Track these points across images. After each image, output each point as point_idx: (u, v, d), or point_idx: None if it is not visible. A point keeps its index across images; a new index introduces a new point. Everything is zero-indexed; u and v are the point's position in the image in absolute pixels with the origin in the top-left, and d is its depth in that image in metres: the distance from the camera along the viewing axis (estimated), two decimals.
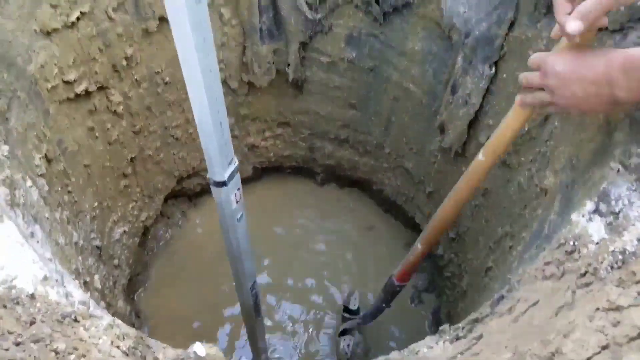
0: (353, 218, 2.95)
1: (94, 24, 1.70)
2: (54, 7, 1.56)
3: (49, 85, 1.60)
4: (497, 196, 1.89)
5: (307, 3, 2.12)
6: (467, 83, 1.88)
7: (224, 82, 2.40)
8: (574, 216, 1.11)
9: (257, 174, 3.04)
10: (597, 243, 1.02)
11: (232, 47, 2.28)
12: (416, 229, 2.65)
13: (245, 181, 2.76)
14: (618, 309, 0.87)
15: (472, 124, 1.99)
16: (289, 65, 2.36)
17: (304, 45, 2.31)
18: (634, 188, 1.10)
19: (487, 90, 1.86)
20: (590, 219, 1.08)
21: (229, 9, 2.13)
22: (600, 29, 1.38)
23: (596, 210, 1.09)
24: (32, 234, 1.19)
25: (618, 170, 1.15)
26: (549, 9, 1.58)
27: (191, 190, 2.85)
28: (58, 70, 1.63)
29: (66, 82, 1.70)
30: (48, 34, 1.56)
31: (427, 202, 2.49)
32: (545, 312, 0.98)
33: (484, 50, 1.79)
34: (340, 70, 2.40)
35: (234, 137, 2.72)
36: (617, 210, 1.06)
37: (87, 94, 1.86)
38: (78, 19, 1.65)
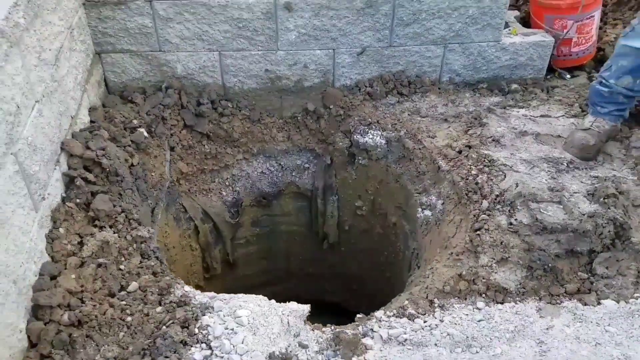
0: None
1: None
2: None
3: None
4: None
5: (230, 217, 3.81)
6: (329, 208, 3.88)
7: (197, 285, 3.80)
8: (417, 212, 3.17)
9: None
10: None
11: (197, 261, 3.75)
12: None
13: None
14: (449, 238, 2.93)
15: (338, 226, 3.99)
16: (228, 254, 3.95)
17: (232, 238, 3.94)
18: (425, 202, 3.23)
19: (338, 208, 3.90)
20: (422, 212, 3.15)
21: (194, 240, 3.64)
22: None
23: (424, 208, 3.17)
24: None
25: (422, 208, 3.28)
26: (351, 161, 3.72)
27: None
28: None
29: None
30: None
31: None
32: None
33: (329, 191, 3.83)
34: (253, 240, 4.11)
35: None
36: (434, 207, 3.15)
37: None
38: None
